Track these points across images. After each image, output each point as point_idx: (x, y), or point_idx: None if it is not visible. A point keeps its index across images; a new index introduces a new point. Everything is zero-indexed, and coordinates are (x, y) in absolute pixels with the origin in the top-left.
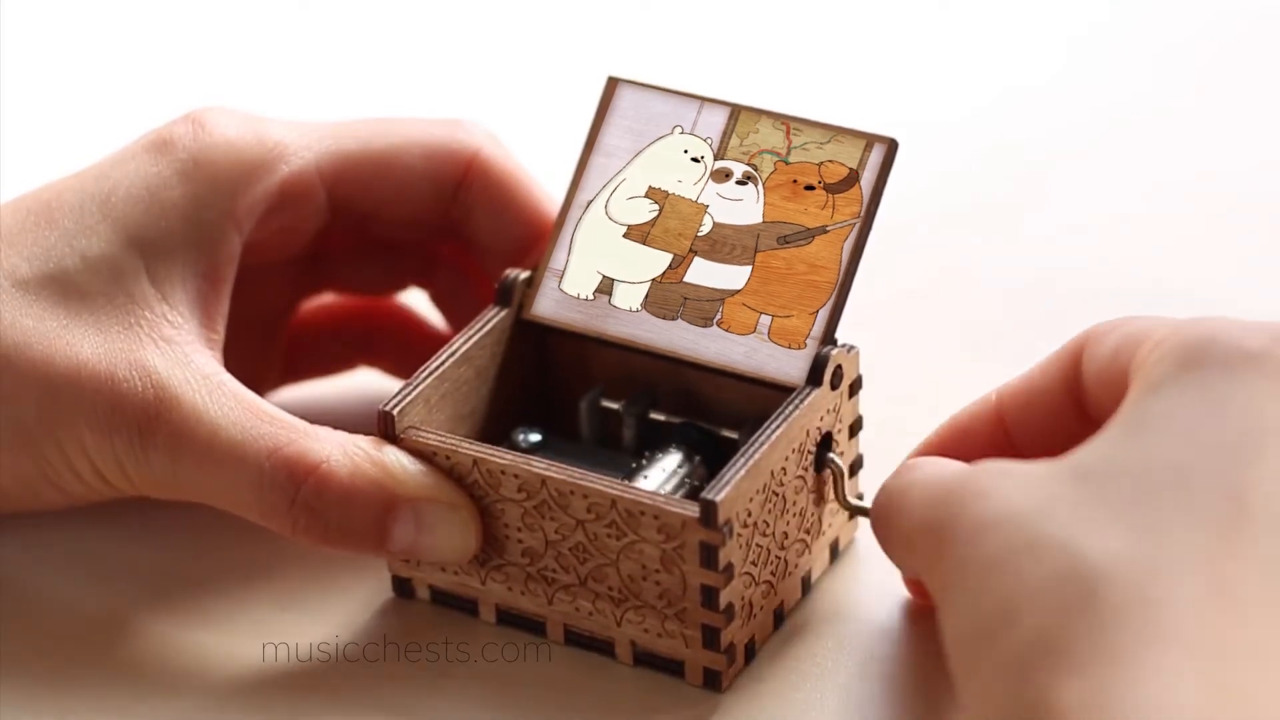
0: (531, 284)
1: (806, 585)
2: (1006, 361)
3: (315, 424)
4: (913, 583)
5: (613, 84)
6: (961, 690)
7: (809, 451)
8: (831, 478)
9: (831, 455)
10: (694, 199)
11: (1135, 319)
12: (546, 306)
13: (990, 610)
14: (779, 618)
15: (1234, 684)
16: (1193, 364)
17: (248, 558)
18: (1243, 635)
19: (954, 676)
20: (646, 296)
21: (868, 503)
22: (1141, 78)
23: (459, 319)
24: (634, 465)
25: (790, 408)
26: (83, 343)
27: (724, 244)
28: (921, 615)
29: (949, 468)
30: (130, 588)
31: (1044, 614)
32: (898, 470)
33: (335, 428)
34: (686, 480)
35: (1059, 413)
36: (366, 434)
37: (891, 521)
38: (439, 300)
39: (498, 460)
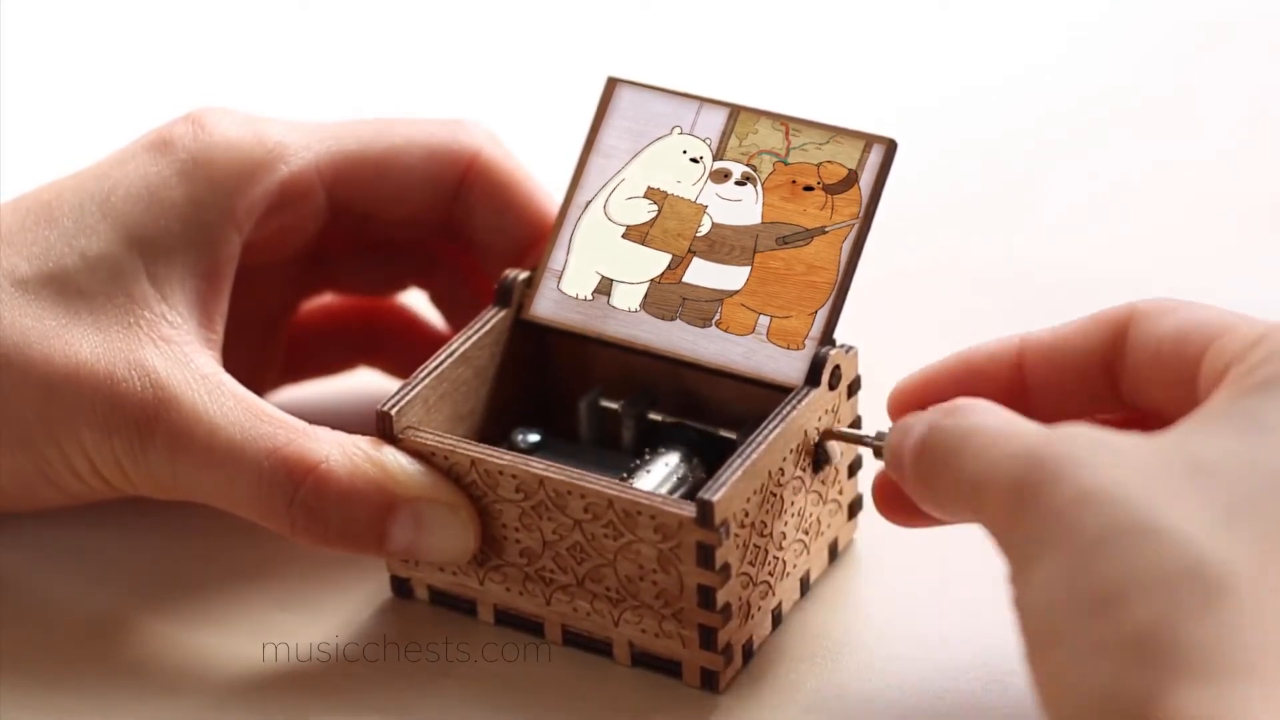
0: (530, 284)
1: (805, 586)
2: None
3: (315, 424)
4: (883, 482)
5: (612, 84)
6: (1038, 661)
7: (807, 452)
8: (834, 450)
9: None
10: (693, 199)
11: (1194, 306)
12: (545, 307)
13: (1092, 588)
14: (777, 618)
15: None
16: None
17: (248, 558)
18: None
19: (1026, 645)
20: (645, 297)
21: (865, 498)
22: (1140, 69)
23: (459, 319)
24: (632, 465)
25: (788, 408)
26: (82, 342)
27: (723, 244)
28: (922, 617)
29: (1021, 421)
30: (130, 588)
31: (1158, 606)
32: (946, 409)
33: (335, 428)
34: (684, 480)
35: (1088, 376)
36: (366, 434)
37: (949, 464)
38: (439, 301)
39: (495, 460)
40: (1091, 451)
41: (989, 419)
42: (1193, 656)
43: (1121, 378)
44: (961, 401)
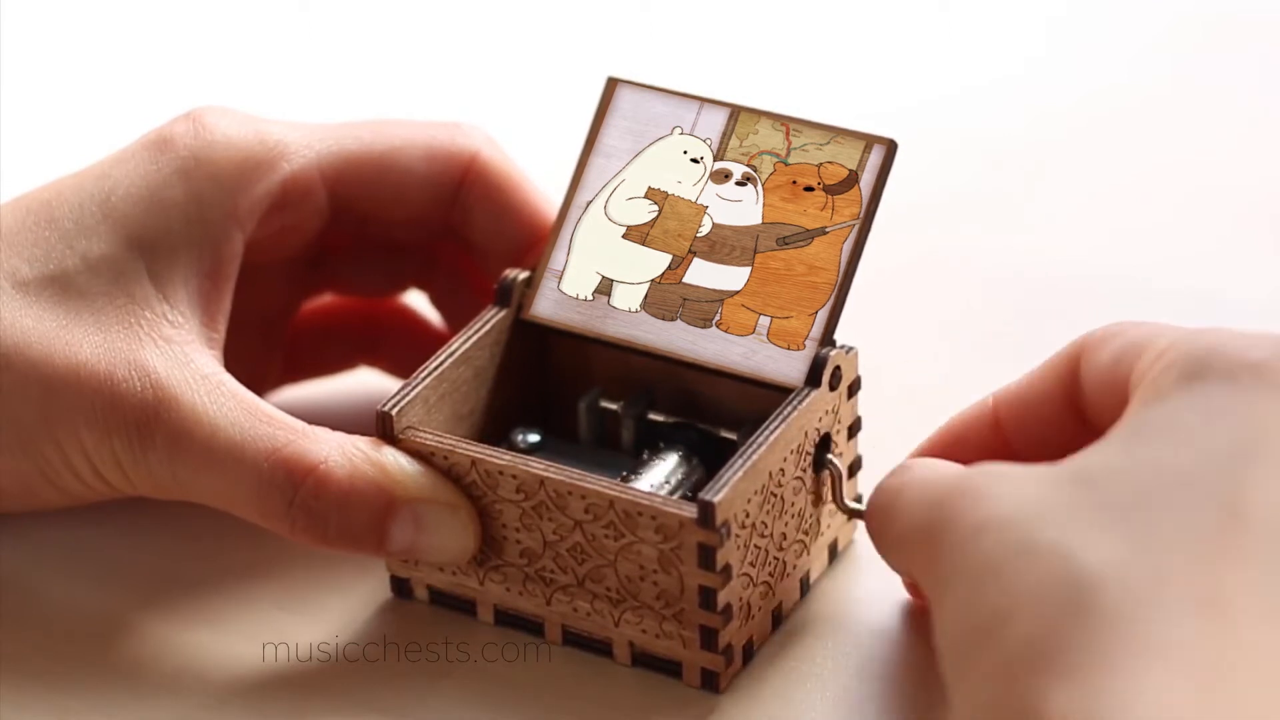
0: (530, 284)
1: (805, 586)
2: (1007, 360)
3: (315, 424)
4: (912, 585)
5: (612, 85)
6: (952, 693)
7: (807, 453)
8: (830, 479)
9: (830, 457)
10: (693, 200)
11: (1134, 326)
12: (545, 307)
13: (983, 614)
14: (777, 619)
15: (1224, 696)
16: (1196, 374)
17: (248, 558)
18: (1235, 647)
19: (945, 679)
20: (645, 297)
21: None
22: (1138, 67)
23: (458, 321)
24: (632, 466)
25: (789, 409)
26: (82, 343)
27: (723, 245)
28: (920, 617)
29: (944, 469)
30: (130, 588)
31: (1036, 619)
32: (893, 471)
33: (335, 428)
34: (685, 481)
35: (1056, 419)
36: (366, 434)
37: (886, 522)
38: (439, 303)
39: (496, 461)
40: (990, 484)
41: (913, 474)
42: (1068, 659)
43: (1085, 411)
44: (906, 461)
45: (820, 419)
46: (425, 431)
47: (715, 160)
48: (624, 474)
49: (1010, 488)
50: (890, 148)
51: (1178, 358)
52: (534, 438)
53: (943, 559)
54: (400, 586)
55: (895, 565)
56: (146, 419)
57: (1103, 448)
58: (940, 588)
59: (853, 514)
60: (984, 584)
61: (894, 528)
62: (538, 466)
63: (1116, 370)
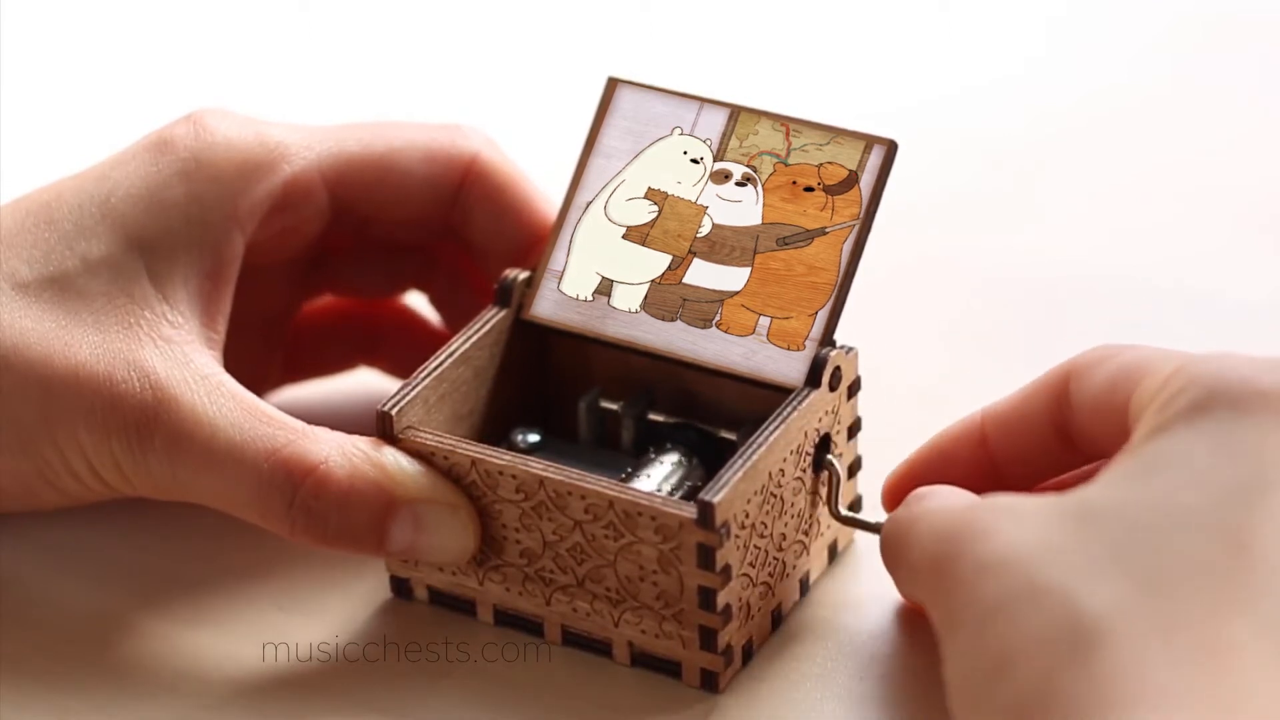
0: (531, 284)
1: (804, 587)
2: (1007, 361)
3: (315, 424)
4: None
5: (612, 85)
6: None
7: (807, 453)
8: (828, 481)
9: (830, 457)
10: (693, 200)
11: (1127, 349)
12: (546, 307)
13: (989, 657)
14: (777, 619)
15: None
16: (1202, 405)
17: (248, 558)
18: (1239, 694)
19: (953, 716)
20: (645, 298)
21: (865, 513)
22: (1138, 67)
23: (458, 322)
24: (632, 466)
25: (788, 409)
26: (81, 343)
27: (723, 245)
28: (919, 618)
29: (958, 500)
30: (130, 588)
31: (1040, 665)
32: (907, 500)
33: (335, 428)
34: (685, 481)
35: (1043, 440)
36: (366, 434)
37: (900, 554)
38: (439, 304)
39: (495, 461)
40: (995, 519)
41: (930, 503)
42: (1065, 706)
43: (1074, 434)
44: (919, 490)
45: (820, 419)
46: (425, 431)
47: (715, 161)
48: (624, 474)
49: (1016, 523)
50: (890, 148)
51: (1184, 386)
52: (534, 438)
53: (951, 597)
54: (400, 587)
55: (907, 597)
56: (146, 420)
57: (1108, 480)
58: (948, 627)
59: (847, 522)
60: (989, 626)
61: (906, 560)
62: (537, 466)
63: (1113, 396)
